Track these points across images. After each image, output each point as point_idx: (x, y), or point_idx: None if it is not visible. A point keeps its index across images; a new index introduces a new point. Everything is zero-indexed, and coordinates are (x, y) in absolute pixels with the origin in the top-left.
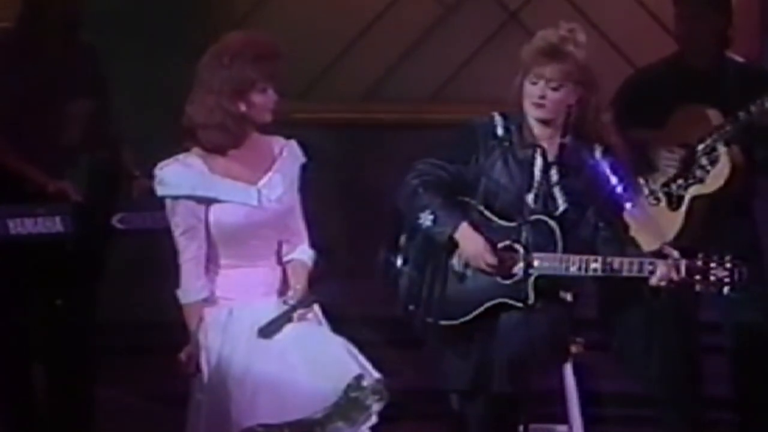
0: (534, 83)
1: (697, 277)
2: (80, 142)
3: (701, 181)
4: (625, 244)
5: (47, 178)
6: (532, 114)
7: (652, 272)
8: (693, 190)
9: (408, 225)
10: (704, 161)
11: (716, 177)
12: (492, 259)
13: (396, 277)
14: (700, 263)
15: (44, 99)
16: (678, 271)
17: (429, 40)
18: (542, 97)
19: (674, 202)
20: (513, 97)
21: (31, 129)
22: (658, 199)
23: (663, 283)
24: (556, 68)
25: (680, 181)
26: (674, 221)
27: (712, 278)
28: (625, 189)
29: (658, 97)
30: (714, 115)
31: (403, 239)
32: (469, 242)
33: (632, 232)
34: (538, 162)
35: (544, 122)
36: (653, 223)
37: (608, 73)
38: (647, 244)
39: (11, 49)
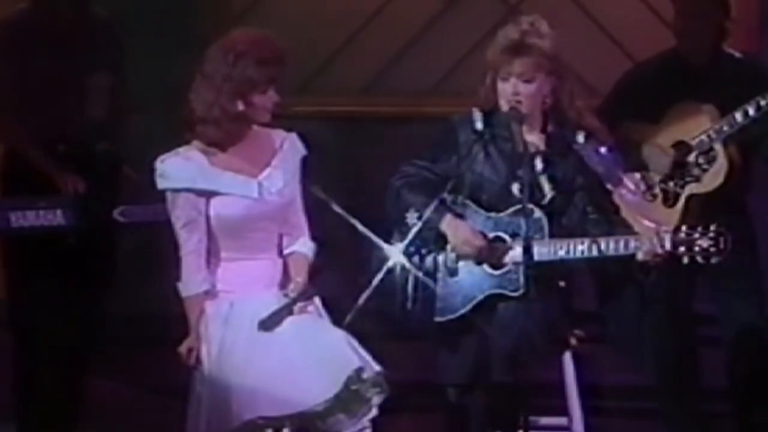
0: (505, 79)
1: (682, 248)
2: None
3: (698, 179)
4: (614, 225)
5: (59, 170)
6: (509, 112)
7: (638, 248)
8: (690, 189)
9: (397, 226)
10: (701, 160)
11: (713, 176)
12: (479, 242)
13: (391, 278)
14: (683, 234)
15: (60, 76)
16: (662, 244)
17: (429, 33)
18: (516, 93)
19: (671, 200)
20: (485, 95)
21: (49, 110)
22: (654, 196)
23: (649, 258)
24: (524, 62)
25: (677, 179)
26: (671, 218)
27: (696, 248)
28: (611, 171)
29: (655, 91)
30: (710, 112)
31: (394, 240)
32: (456, 230)
33: (623, 214)
34: (520, 153)
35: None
36: (643, 204)
37: (607, 66)
38: (638, 224)
39: (23, 29)
